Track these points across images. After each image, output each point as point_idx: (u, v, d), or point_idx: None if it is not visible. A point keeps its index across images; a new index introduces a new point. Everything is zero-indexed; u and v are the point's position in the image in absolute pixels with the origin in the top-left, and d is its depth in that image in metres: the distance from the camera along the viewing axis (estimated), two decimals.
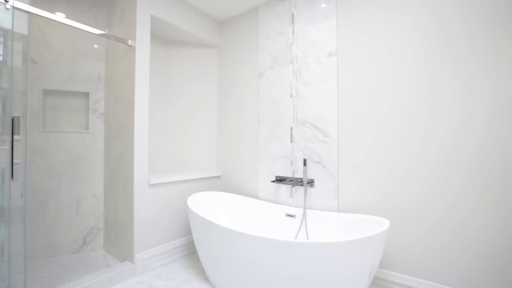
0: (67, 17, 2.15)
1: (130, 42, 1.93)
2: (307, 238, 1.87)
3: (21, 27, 1.41)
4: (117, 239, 2.12)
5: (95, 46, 2.32)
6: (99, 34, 1.79)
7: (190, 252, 2.32)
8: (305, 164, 1.94)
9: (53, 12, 2.12)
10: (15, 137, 1.35)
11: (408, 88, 1.61)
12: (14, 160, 1.35)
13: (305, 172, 1.94)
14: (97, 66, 2.33)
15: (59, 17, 1.62)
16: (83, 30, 1.71)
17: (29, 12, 1.45)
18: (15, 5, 1.37)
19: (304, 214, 1.91)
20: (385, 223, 1.44)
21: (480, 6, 1.40)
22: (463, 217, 1.44)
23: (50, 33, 2.16)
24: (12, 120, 1.35)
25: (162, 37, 2.51)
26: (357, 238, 1.27)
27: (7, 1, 1.35)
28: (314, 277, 1.31)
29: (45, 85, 2.14)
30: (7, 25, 1.37)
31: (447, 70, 1.48)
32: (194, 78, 2.64)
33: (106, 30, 2.31)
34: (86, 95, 2.30)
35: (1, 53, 1.55)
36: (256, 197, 2.32)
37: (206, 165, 2.66)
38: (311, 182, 1.98)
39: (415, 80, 1.58)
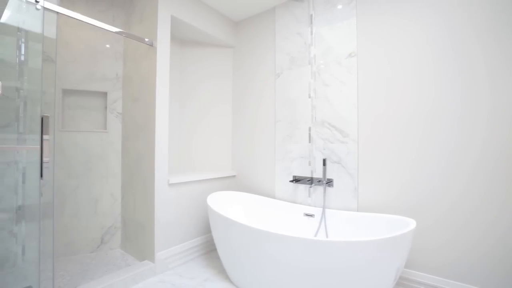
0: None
1: (151, 42, 1.94)
2: (327, 237, 1.88)
3: (50, 28, 1.43)
4: (136, 238, 2.13)
5: (107, 45, 2.31)
6: (120, 33, 1.80)
7: (208, 251, 2.33)
8: (324, 164, 1.96)
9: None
10: (45, 136, 1.37)
11: (430, 89, 1.61)
12: (44, 159, 1.37)
13: (324, 172, 1.95)
14: (115, 66, 2.34)
15: (88, 18, 1.63)
16: (109, 30, 1.73)
17: (57, 13, 1.46)
18: (45, 6, 1.39)
19: (323, 213, 1.92)
20: (411, 223, 1.45)
21: (488, 8, 1.43)
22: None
23: (69, 33, 2.17)
24: (42, 119, 1.37)
25: (178, 37, 2.51)
26: (384, 237, 1.28)
27: (38, 2, 1.36)
28: (340, 276, 1.32)
29: (64, 85, 2.15)
30: (36, 25, 1.39)
31: (461, 72, 1.50)
32: (209, 78, 2.65)
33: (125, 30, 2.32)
34: (104, 94, 2.31)
35: (23, 53, 1.57)
36: (273, 197, 2.33)
37: (221, 164, 2.67)
38: (330, 182, 1.99)
39: (439, 82, 1.59)
